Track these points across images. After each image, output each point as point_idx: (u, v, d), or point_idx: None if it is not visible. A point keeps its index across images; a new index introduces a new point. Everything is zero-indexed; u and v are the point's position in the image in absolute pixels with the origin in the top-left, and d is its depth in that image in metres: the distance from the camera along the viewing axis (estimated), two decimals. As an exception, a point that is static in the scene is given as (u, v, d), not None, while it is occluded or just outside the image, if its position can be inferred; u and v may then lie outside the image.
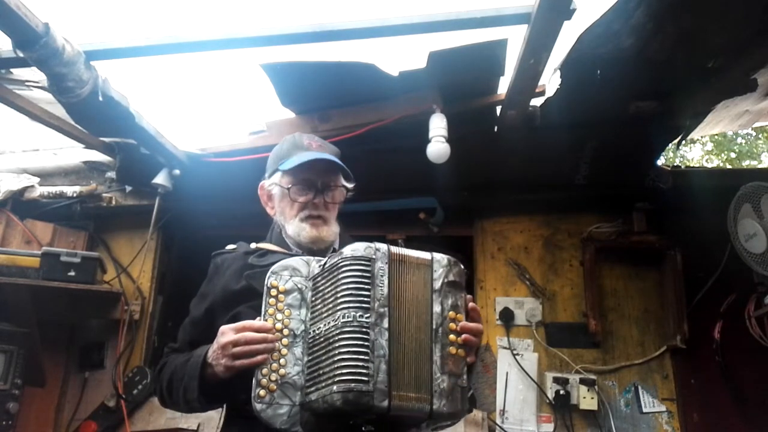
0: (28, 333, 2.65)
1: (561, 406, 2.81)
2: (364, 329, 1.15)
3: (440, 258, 1.28)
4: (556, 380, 2.83)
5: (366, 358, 1.13)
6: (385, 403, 1.11)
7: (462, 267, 1.31)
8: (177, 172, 2.82)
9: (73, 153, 3.18)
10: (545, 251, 3.12)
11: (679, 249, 2.90)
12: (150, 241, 3.13)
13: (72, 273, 2.72)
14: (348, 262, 1.21)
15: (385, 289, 1.19)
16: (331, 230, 1.50)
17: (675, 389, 2.85)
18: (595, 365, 2.90)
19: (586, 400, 2.77)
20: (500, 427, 2.82)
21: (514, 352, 2.93)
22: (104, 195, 3.13)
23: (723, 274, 2.85)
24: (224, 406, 1.41)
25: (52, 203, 3.09)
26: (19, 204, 3.04)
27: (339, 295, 1.19)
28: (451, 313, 1.25)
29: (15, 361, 2.59)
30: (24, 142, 3.29)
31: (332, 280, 1.23)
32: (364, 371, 1.11)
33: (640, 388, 2.86)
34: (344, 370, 1.12)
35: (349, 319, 1.16)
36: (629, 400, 2.85)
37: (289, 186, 1.50)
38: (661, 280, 2.98)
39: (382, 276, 1.20)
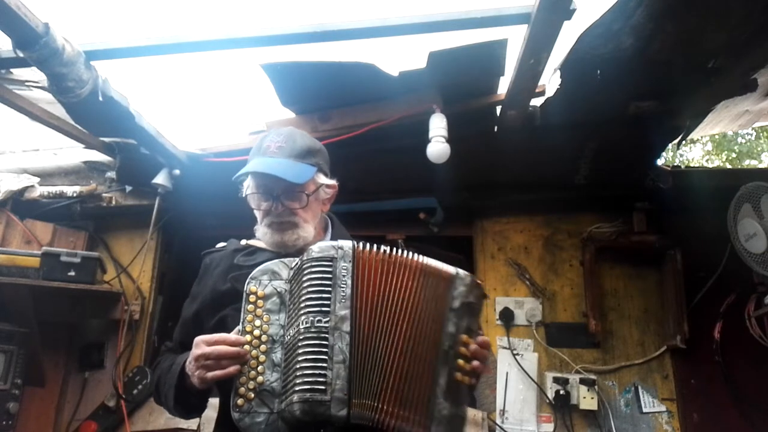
0: (28, 333, 2.65)
1: (561, 406, 2.81)
2: (322, 335, 1.10)
3: (464, 275, 1.22)
4: (556, 380, 2.83)
5: (323, 365, 1.08)
6: (344, 412, 1.06)
7: (482, 290, 1.25)
8: (177, 172, 2.82)
9: (73, 153, 3.17)
10: (545, 251, 3.12)
11: (679, 249, 2.89)
12: (150, 241, 3.13)
13: (72, 273, 2.72)
14: (309, 264, 1.17)
15: (348, 290, 1.14)
16: (301, 234, 1.39)
17: (675, 389, 2.85)
18: (595, 365, 2.90)
19: (586, 400, 2.77)
20: (500, 427, 2.82)
21: (514, 352, 2.93)
22: (104, 195, 3.12)
23: (723, 274, 2.86)
24: (219, 408, 1.39)
25: (52, 203, 3.09)
26: (19, 204, 3.04)
27: (302, 298, 1.15)
28: (464, 337, 1.18)
29: (15, 361, 2.59)
30: (24, 142, 3.28)
31: (298, 283, 1.19)
32: (321, 379, 1.07)
33: (640, 388, 2.86)
34: (302, 379, 1.08)
35: (308, 325, 1.11)
36: (629, 400, 2.85)
37: (249, 192, 1.43)
38: (661, 280, 2.98)
39: (344, 276, 1.14)
